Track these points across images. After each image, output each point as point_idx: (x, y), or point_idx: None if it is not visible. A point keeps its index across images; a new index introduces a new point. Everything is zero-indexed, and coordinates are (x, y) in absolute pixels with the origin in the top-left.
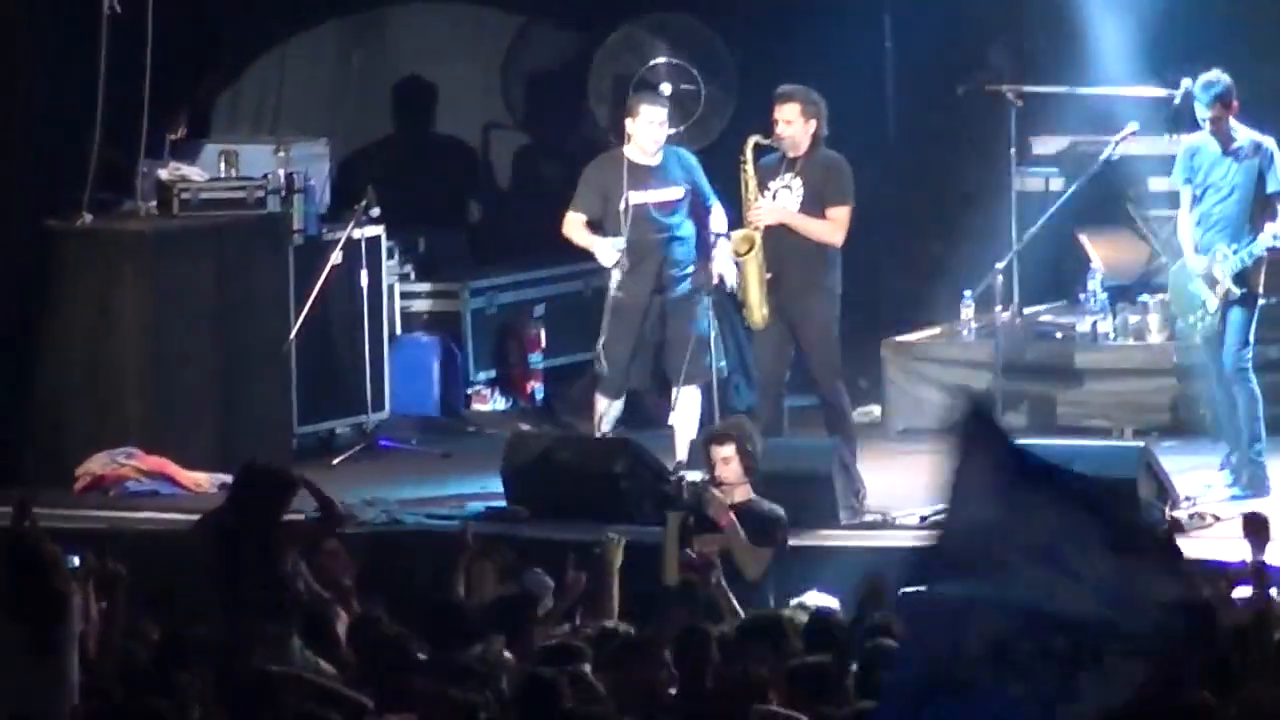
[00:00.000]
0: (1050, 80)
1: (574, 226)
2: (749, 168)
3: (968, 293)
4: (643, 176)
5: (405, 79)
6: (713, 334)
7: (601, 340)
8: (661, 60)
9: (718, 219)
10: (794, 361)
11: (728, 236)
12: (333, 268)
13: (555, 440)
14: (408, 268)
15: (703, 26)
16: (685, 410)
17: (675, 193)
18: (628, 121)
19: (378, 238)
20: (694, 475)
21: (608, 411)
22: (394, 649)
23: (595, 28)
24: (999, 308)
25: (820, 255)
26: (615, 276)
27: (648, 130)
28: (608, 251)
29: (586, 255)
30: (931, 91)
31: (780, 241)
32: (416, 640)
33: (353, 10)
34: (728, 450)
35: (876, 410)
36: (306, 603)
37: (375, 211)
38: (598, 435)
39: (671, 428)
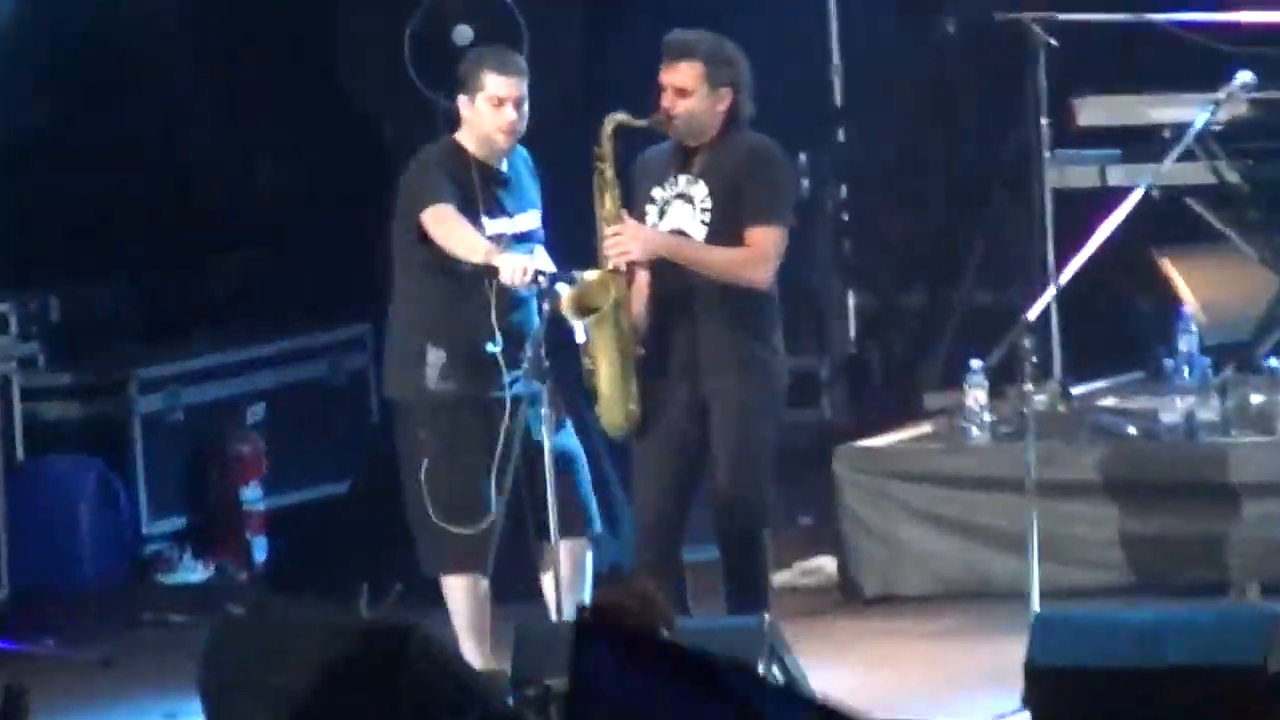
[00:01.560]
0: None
1: (455, 220)
2: (607, 167)
3: (976, 363)
4: (494, 190)
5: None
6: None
7: (424, 468)
8: None
9: (542, 258)
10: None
11: (570, 281)
12: None
13: (287, 628)
14: (33, 347)
15: None
16: (566, 572)
17: (532, 219)
18: (462, 102)
19: None
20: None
21: (471, 595)
22: None
23: None
24: (1028, 385)
25: (741, 309)
26: (433, 358)
27: (498, 115)
28: (515, 266)
29: (331, 319)
30: (903, 30)
31: (670, 287)
32: None
33: None
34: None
35: (829, 565)
36: None
37: None
38: (467, 644)
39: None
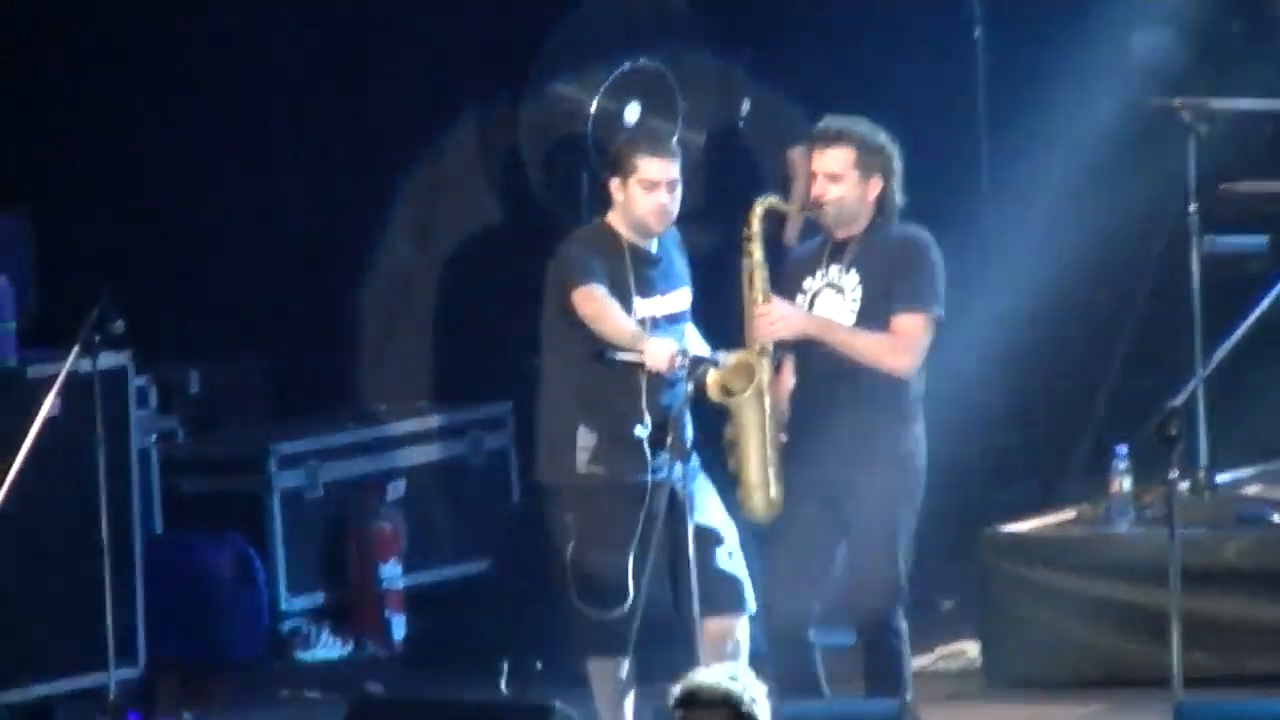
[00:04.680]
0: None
1: (605, 302)
2: (755, 249)
3: (1121, 449)
4: (645, 271)
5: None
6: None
7: (569, 551)
8: (622, 71)
9: (693, 336)
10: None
11: (715, 363)
12: (46, 423)
13: (425, 711)
14: (172, 421)
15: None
16: (719, 650)
17: (683, 297)
18: (614, 185)
19: (123, 371)
20: None
21: (613, 676)
22: None
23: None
24: (1174, 472)
25: (885, 397)
26: (584, 441)
27: (652, 198)
28: (661, 352)
29: (473, 397)
30: (1053, 112)
31: (814, 372)
32: None
33: None
34: (714, 716)
35: (971, 649)
36: None
37: (118, 327)
38: None
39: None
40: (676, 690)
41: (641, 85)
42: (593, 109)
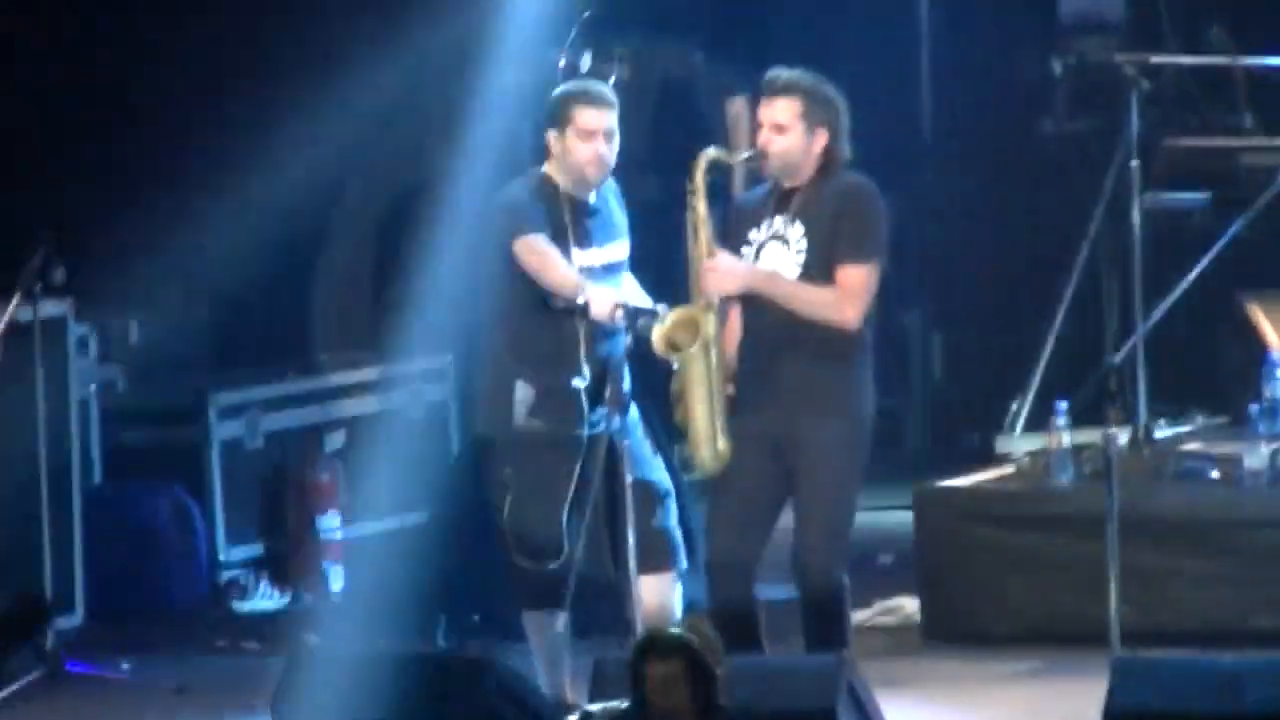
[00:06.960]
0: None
1: (548, 252)
2: (699, 202)
3: (1062, 404)
4: (583, 222)
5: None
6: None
7: (507, 504)
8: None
9: (630, 287)
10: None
11: (655, 315)
12: None
13: (363, 661)
14: (113, 370)
15: None
16: (655, 608)
17: (621, 249)
18: (552, 136)
19: (63, 320)
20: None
21: (549, 630)
22: None
23: None
24: (1112, 429)
25: (832, 351)
26: (522, 394)
27: (589, 147)
28: (605, 301)
29: (411, 349)
30: (993, 69)
31: (761, 323)
32: None
33: None
34: (670, 667)
35: (909, 604)
36: None
37: (59, 276)
38: (545, 677)
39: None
40: (635, 641)
41: (591, 33)
42: (561, 64)
